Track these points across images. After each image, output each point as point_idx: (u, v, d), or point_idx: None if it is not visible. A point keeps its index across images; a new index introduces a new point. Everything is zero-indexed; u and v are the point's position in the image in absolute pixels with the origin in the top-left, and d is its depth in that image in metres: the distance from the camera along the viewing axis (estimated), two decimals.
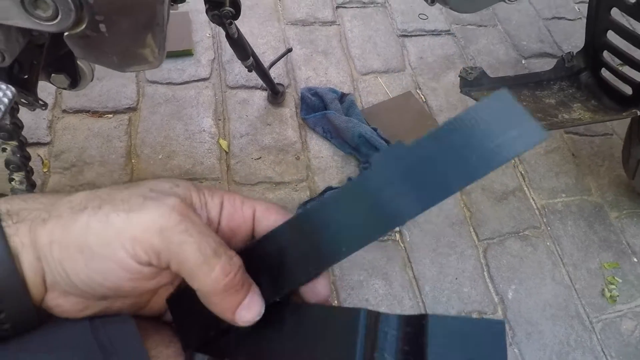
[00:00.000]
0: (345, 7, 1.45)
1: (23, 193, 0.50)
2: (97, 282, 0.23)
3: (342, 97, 1.20)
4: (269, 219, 0.26)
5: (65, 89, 0.55)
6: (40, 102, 0.48)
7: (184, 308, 0.26)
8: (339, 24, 1.41)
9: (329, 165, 1.11)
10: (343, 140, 1.11)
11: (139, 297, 0.27)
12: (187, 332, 0.26)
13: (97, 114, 1.07)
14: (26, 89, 0.40)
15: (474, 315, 0.97)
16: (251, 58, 0.93)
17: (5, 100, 0.32)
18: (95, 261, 0.23)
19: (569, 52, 0.95)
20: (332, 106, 1.14)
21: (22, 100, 0.45)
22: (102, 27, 0.33)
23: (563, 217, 1.15)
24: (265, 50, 1.28)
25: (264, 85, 1.14)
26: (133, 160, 1.02)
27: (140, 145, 1.05)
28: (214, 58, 1.24)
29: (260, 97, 1.19)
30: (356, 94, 1.25)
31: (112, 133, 1.05)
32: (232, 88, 1.19)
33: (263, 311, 0.24)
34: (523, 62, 1.44)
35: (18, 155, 0.48)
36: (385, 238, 1.03)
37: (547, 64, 1.46)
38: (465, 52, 1.43)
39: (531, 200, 1.16)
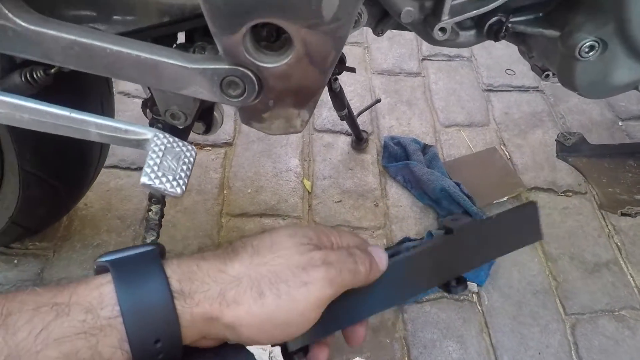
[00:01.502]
0: (430, 60, 1.49)
1: (155, 222, 0.57)
2: (282, 337, 0.31)
3: (424, 148, 1.21)
4: None
5: (199, 134, 0.62)
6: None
7: None
8: (424, 76, 1.44)
9: (407, 215, 1.11)
10: (423, 191, 1.12)
11: None
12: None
13: (199, 146, 1.18)
14: (183, 138, 0.47)
15: None
16: (346, 109, 0.98)
17: (192, 159, 0.38)
18: (292, 327, 0.30)
19: None
20: (414, 157, 1.15)
21: None
22: (271, 102, 0.38)
23: None
24: (352, 97, 1.34)
25: (349, 130, 1.19)
26: (225, 192, 1.10)
27: (232, 178, 1.13)
28: None
29: (344, 141, 1.24)
30: (438, 146, 1.25)
31: (209, 165, 1.14)
32: (318, 131, 1.25)
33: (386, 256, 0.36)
34: (620, 124, 1.36)
35: None
36: (461, 298, 1.00)
37: None
38: (554, 110, 1.38)
39: (629, 277, 1.07)
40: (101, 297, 0.26)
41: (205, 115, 0.54)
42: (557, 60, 0.51)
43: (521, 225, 0.38)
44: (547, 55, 0.55)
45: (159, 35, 0.39)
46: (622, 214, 0.74)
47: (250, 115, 0.39)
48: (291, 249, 0.31)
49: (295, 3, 0.28)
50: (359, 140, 1.20)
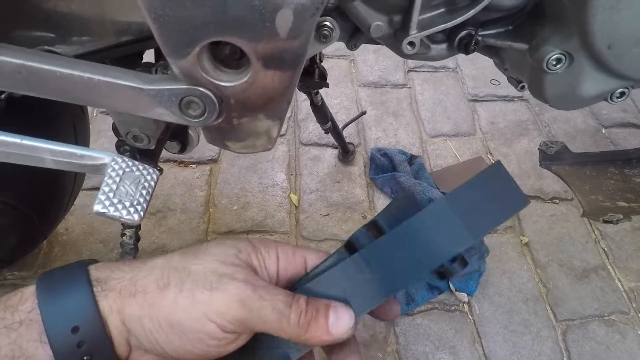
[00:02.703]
0: (416, 71, 1.51)
1: (130, 246, 0.56)
2: (187, 350, 0.27)
3: (411, 159, 1.21)
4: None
5: (174, 153, 0.62)
6: (158, 168, 0.55)
7: None
8: (409, 87, 1.46)
9: None
10: None
11: None
12: None
13: (183, 163, 1.18)
14: (150, 159, 0.46)
15: None
16: (329, 122, 0.99)
17: (152, 183, 0.37)
18: (187, 334, 0.27)
19: None
20: (401, 168, 1.16)
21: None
22: (235, 121, 0.38)
23: None
24: (338, 110, 1.34)
25: (336, 143, 1.20)
26: (211, 209, 1.09)
27: (218, 195, 1.12)
28: (290, 116, 1.33)
29: (331, 154, 1.24)
30: (425, 157, 1.26)
31: (194, 182, 1.14)
32: (305, 145, 1.26)
33: (353, 320, 0.29)
34: (603, 131, 1.38)
35: None
36: (453, 308, 0.99)
37: (631, 135, 1.38)
38: (539, 118, 1.40)
39: (617, 282, 1.06)
40: (22, 295, 0.28)
41: (179, 134, 0.54)
42: (528, 72, 0.52)
43: (496, 192, 0.31)
44: (519, 67, 0.56)
45: (121, 55, 0.39)
46: (605, 221, 0.74)
47: (215, 135, 0.39)
48: (217, 255, 0.29)
49: (248, 21, 0.28)
50: (346, 153, 1.20)
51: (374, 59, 1.53)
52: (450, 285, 0.99)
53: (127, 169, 0.36)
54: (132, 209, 0.35)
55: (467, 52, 0.52)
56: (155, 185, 0.38)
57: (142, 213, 0.35)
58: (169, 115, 0.34)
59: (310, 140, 1.27)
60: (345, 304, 0.29)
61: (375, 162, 1.20)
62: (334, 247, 1.06)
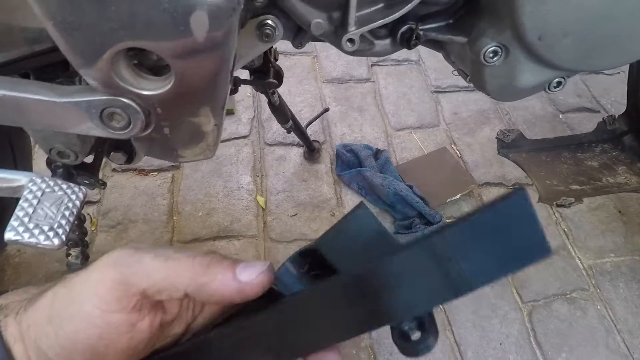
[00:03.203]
0: (379, 65, 1.51)
1: (78, 266, 0.54)
2: (69, 348, 0.23)
3: (377, 153, 1.22)
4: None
5: (121, 164, 0.60)
6: (100, 182, 0.53)
7: None
8: (373, 81, 1.46)
9: None
10: (378, 197, 1.12)
11: None
12: None
13: (143, 172, 1.14)
14: (90, 173, 0.44)
15: None
16: (290, 121, 0.98)
17: (78, 202, 0.35)
18: (64, 325, 0.23)
19: (611, 115, 0.94)
20: (367, 163, 1.16)
21: (85, 181, 0.49)
22: (166, 130, 0.37)
23: (613, 278, 1.08)
24: (302, 108, 1.33)
25: (301, 142, 1.19)
26: (175, 218, 1.07)
27: (181, 202, 1.09)
28: (254, 116, 1.31)
29: (296, 153, 1.23)
30: (391, 150, 1.26)
31: (156, 191, 1.11)
32: (269, 145, 1.24)
33: (266, 281, 0.24)
34: (560, 116, 1.43)
35: (76, 233, 0.52)
36: None
37: (586, 119, 1.43)
38: (500, 107, 1.43)
39: (577, 260, 1.10)
40: None
41: (123, 144, 0.52)
42: (469, 65, 0.52)
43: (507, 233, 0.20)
44: (462, 60, 0.56)
45: (41, 64, 0.37)
46: (558, 205, 0.76)
47: (148, 147, 0.37)
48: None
49: (160, 25, 0.27)
50: (311, 151, 1.19)
51: (337, 54, 1.53)
52: None
53: (48, 189, 0.34)
54: (51, 233, 0.33)
55: (409, 47, 0.52)
56: (81, 205, 0.36)
57: (63, 237, 0.33)
58: (91, 129, 0.32)
59: (274, 140, 1.25)
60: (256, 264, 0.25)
61: (341, 158, 1.19)
62: (303, 246, 1.05)
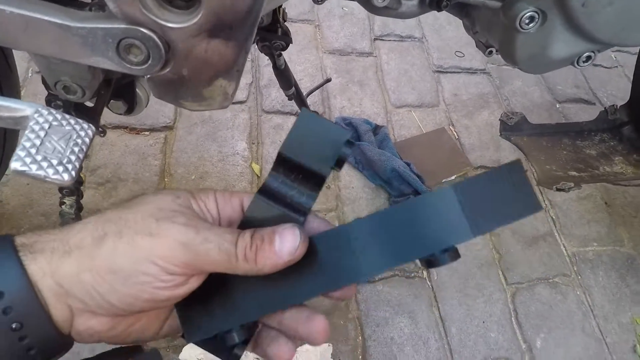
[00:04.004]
0: (382, 40, 1.48)
1: (71, 216, 0.51)
2: (134, 296, 0.26)
3: (375, 129, 1.20)
4: None
5: (121, 114, 0.56)
6: (100, 129, 0.50)
7: (191, 311, 0.30)
8: (375, 56, 1.43)
9: (358, 197, 1.11)
10: (375, 172, 1.11)
11: (166, 311, 0.30)
12: (192, 329, 0.30)
13: (134, 130, 1.10)
14: (91, 118, 0.41)
15: None
16: (293, 88, 0.95)
17: (87, 139, 0.32)
18: (132, 279, 0.25)
19: (613, 104, 0.95)
20: (365, 137, 1.14)
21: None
22: (185, 71, 0.34)
23: (594, 266, 1.12)
24: (303, 77, 1.30)
25: (299, 111, 1.16)
26: (166, 180, 1.04)
27: (174, 164, 1.06)
28: (252, 82, 1.27)
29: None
30: (389, 127, 1.25)
31: (147, 151, 1.07)
32: (267, 113, 1.21)
33: (298, 237, 0.28)
34: (557, 106, 1.43)
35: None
36: (412, 275, 1.01)
37: (582, 110, 1.45)
38: (500, 92, 1.43)
39: (562, 247, 1.13)
40: None
41: (125, 91, 0.49)
42: (499, 33, 0.51)
43: (508, 192, 0.28)
44: (489, 28, 0.54)
45: None
46: (557, 189, 0.77)
47: (163, 89, 0.34)
48: (154, 202, 0.27)
49: None
50: None
51: (340, 25, 1.48)
52: None
53: (55, 123, 0.31)
54: (60, 168, 0.30)
55: (439, 9, 0.50)
56: (90, 143, 0.33)
57: (73, 173, 0.31)
58: (105, 62, 0.30)
59: (272, 108, 1.22)
60: (292, 225, 0.28)
61: None
62: None
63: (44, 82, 0.38)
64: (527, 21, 0.42)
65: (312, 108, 1.16)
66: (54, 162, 0.30)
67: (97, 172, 1.01)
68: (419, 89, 1.37)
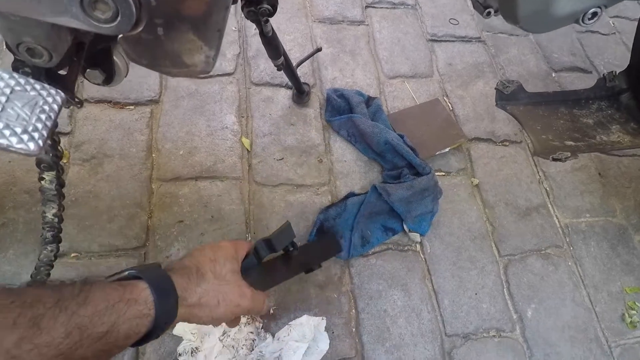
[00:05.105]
0: (374, 7, 1.42)
1: (53, 192, 0.48)
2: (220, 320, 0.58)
3: (368, 100, 1.17)
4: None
5: (98, 84, 0.53)
6: (77, 99, 0.46)
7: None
8: (367, 24, 1.38)
9: (351, 170, 1.09)
10: (367, 145, 1.09)
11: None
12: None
13: (118, 104, 1.05)
14: (65, 87, 0.38)
15: (492, 333, 0.95)
16: (282, 57, 0.90)
17: (55, 106, 0.29)
18: (226, 319, 0.58)
19: (611, 71, 0.92)
20: (358, 109, 1.11)
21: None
22: (160, 30, 0.31)
23: (586, 237, 1.13)
24: (292, 47, 1.25)
25: (290, 83, 1.12)
26: (154, 155, 1.00)
27: (161, 139, 1.03)
28: (239, 53, 1.21)
29: (285, 95, 1.16)
30: (382, 98, 1.22)
31: (133, 125, 1.03)
32: (256, 85, 1.17)
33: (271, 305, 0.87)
34: (553, 75, 1.41)
35: (50, 155, 0.46)
36: (406, 248, 1.01)
37: (578, 79, 1.42)
38: (495, 60, 1.39)
39: (555, 219, 1.14)
40: (139, 292, 0.44)
41: (100, 58, 0.45)
42: None
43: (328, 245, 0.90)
44: None
45: None
46: (554, 159, 0.76)
47: (138, 50, 0.31)
48: (232, 281, 0.57)
49: None
50: (300, 94, 1.13)
51: None
52: (404, 226, 1.00)
53: (18, 88, 0.28)
54: (25, 136, 0.28)
55: None
56: (59, 110, 0.30)
57: (40, 142, 0.28)
58: (69, 19, 0.26)
59: (262, 80, 1.17)
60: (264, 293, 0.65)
61: (331, 103, 1.14)
62: (289, 192, 1.02)
63: (6, 45, 0.34)
64: None
65: (302, 79, 1.12)
66: (18, 130, 0.27)
67: (82, 147, 0.98)
68: (413, 58, 1.33)
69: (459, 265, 1.02)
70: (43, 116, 0.29)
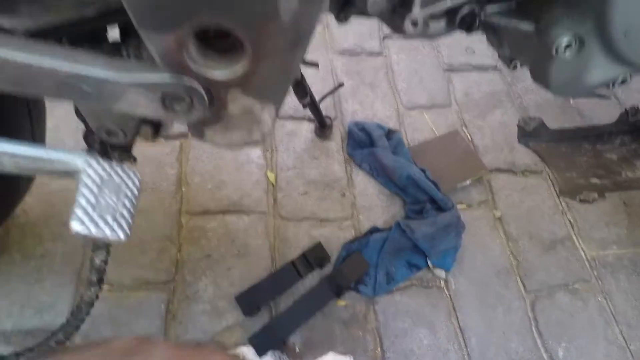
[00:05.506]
0: (392, 39, 1.45)
1: (103, 269, 0.50)
2: None
3: (389, 133, 1.18)
4: None
5: (147, 139, 0.55)
6: (133, 158, 0.49)
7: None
8: (385, 56, 1.40)
9: (374, 204, 1.09)
10: (389, 178, 1.10)
11: None
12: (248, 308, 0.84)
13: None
14: (126, 151, 0.40)
15: None
16: (308, 96, 0.93)
17: (136, 191, 0.31)
18: None
19: (633, 106, 0.92)
20: (379, 143, 1.13)
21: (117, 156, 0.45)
22: (224, 113, 0.33)
23: (615, 270, 1.11)
24: (313, 81, 1.26)
25: (312, 116, 1.14)
26: (183, 189, 1.02)
27: (190, 173, 1.05)
28: None
29: (307, 129, 1.18)
30: (402, 130, 1.23)
31: (164, 159, 1.05)
32: (280, 118, 1.19)
33: None
34: (571, 102, 1.41)
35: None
36: (430, 284, 1.00)
37: (597, 105, 1.42)
38: (512, 89, 1.40)
39: (581, 251, 1.12)
40: None
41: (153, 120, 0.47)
42: (531, 56, 0.49)
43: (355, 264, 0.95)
44: (520, 50, 0.52)
45: (82, 31, 0.31)
46: (581, 200, 0.75)
47: (201, 129, 0.33)
48: None
49: (247, 2, 0.22)
50: (323, 127, 1.15)
51: (348, 24, 1.45)
52: (428, 262, 1.00)
53: (106, 177, 0.30)
54: (115, 224, 0.29)
55: (469, 31, 0.48)
56: (139, 193, 0.32)
57: (127, 230, 0.29)
58: (149, 111, 0.28)
59: (285, 114, 1.20)
60: None
61: (353, 137, 1.16)
62: (313, 226, 1.03)
63: (86, 127, 0.37)
64: (563, 48, 0.40)
65: (324, 113, 1.14)
66: (109, 218, 0.29)
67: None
68: (430, 89, 1.35)
69: (485, 302, 1.00)
70: (127, 202, 0.30)
